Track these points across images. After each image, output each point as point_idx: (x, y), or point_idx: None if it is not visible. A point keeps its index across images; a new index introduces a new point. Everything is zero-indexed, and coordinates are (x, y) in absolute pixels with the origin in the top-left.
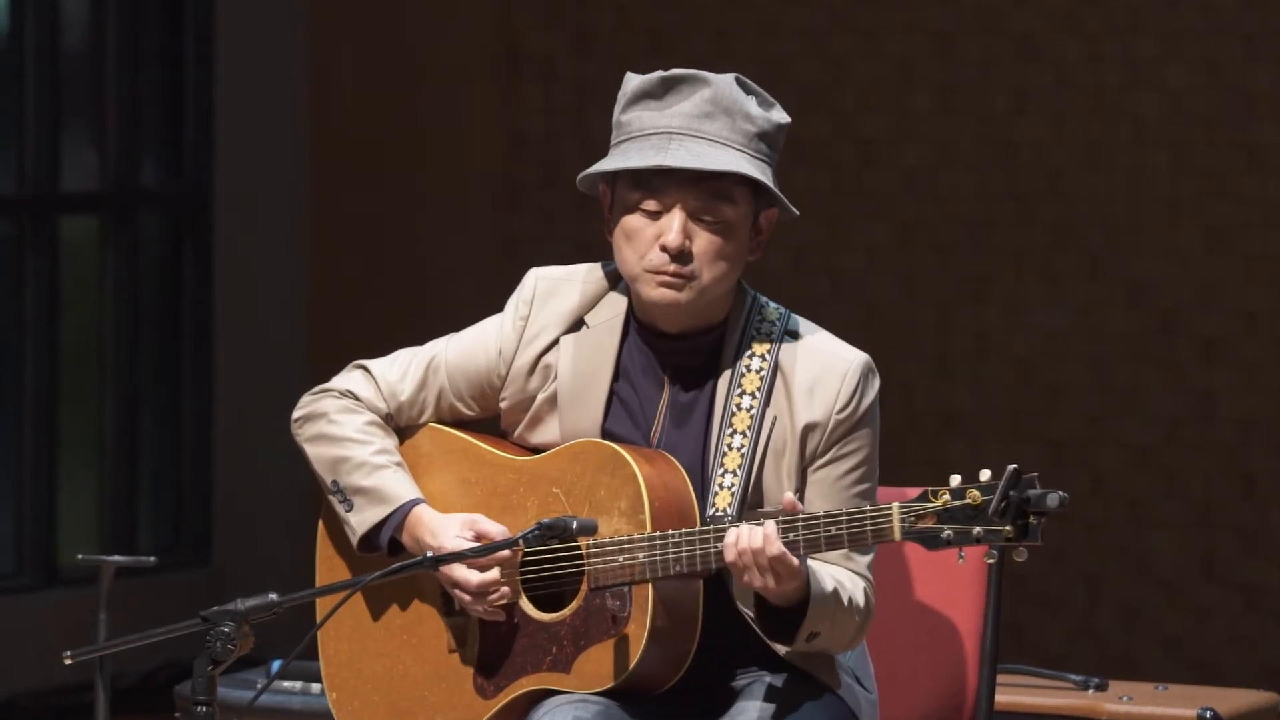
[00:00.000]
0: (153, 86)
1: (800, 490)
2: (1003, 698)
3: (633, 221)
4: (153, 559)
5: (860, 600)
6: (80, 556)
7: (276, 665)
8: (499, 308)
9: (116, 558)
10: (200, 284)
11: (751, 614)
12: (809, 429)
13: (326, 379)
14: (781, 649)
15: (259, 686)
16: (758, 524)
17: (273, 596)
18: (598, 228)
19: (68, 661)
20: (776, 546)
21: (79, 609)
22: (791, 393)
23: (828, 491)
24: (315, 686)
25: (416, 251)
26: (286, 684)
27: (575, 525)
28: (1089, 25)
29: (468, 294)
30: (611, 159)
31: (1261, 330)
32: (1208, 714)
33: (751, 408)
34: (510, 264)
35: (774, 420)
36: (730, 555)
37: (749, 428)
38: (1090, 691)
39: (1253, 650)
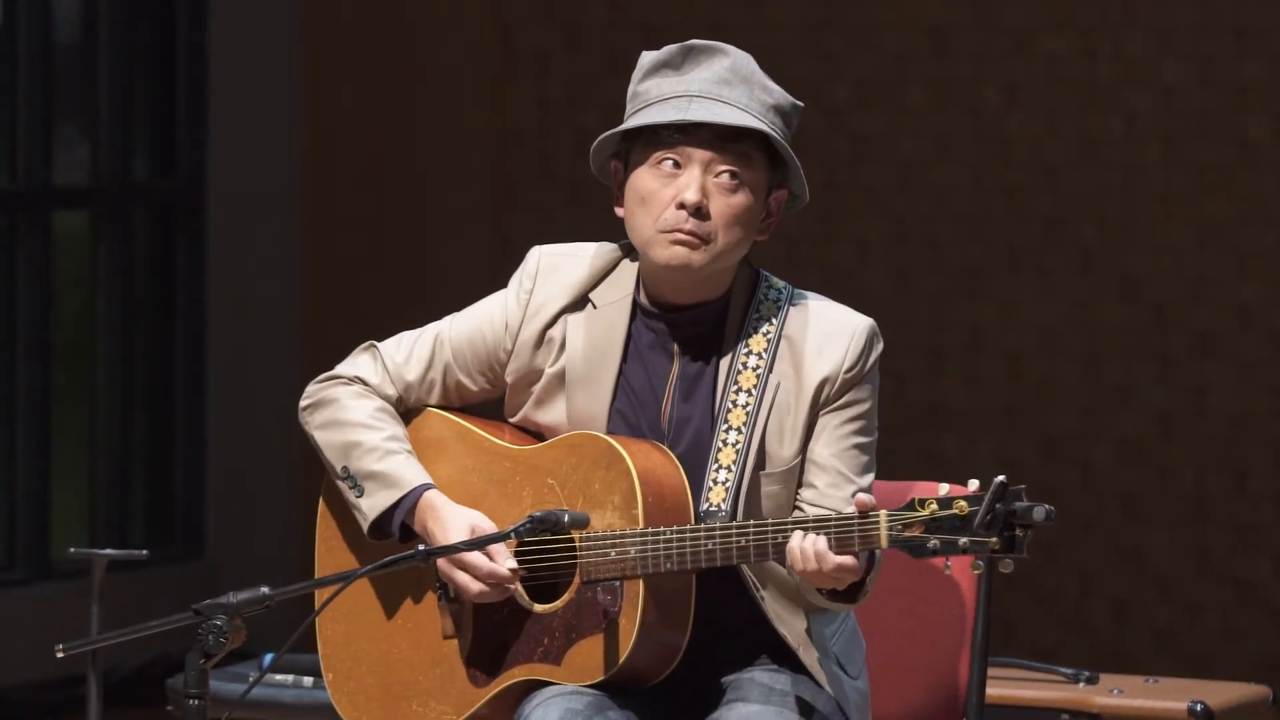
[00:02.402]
0: (145, 81)
1: (804, 443)
2: (994, 690)
3: (649, 183)
4: (144, 552)
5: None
6: (72, 550)
7: (268, 659)
8: None
9: (108, 551)
10: (193, 278)
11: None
12: (819, 384)
13: (320, 373)
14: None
15: (251, 680)
16: (814, 535)
17: (265, 590)
18: (592, 223)
19: (60, 655)
20: (831, 561)
21: (71, 602)
22: (799, 356)
23: (829, 437)
24: (307, 680)
25: (410, 247)
26: (278, 677)
27: (567, 519)
28: (1082, 20)
29: (462, 289)
30: (630, 122)
31: (1254, 325)
32: (1198, 707)
33: (758, 368)
34: (505, 260)
35: (778, 384)
36: (796, 563)
37: (754, 388)
38: (1081, 684)
39: (1245, 645)
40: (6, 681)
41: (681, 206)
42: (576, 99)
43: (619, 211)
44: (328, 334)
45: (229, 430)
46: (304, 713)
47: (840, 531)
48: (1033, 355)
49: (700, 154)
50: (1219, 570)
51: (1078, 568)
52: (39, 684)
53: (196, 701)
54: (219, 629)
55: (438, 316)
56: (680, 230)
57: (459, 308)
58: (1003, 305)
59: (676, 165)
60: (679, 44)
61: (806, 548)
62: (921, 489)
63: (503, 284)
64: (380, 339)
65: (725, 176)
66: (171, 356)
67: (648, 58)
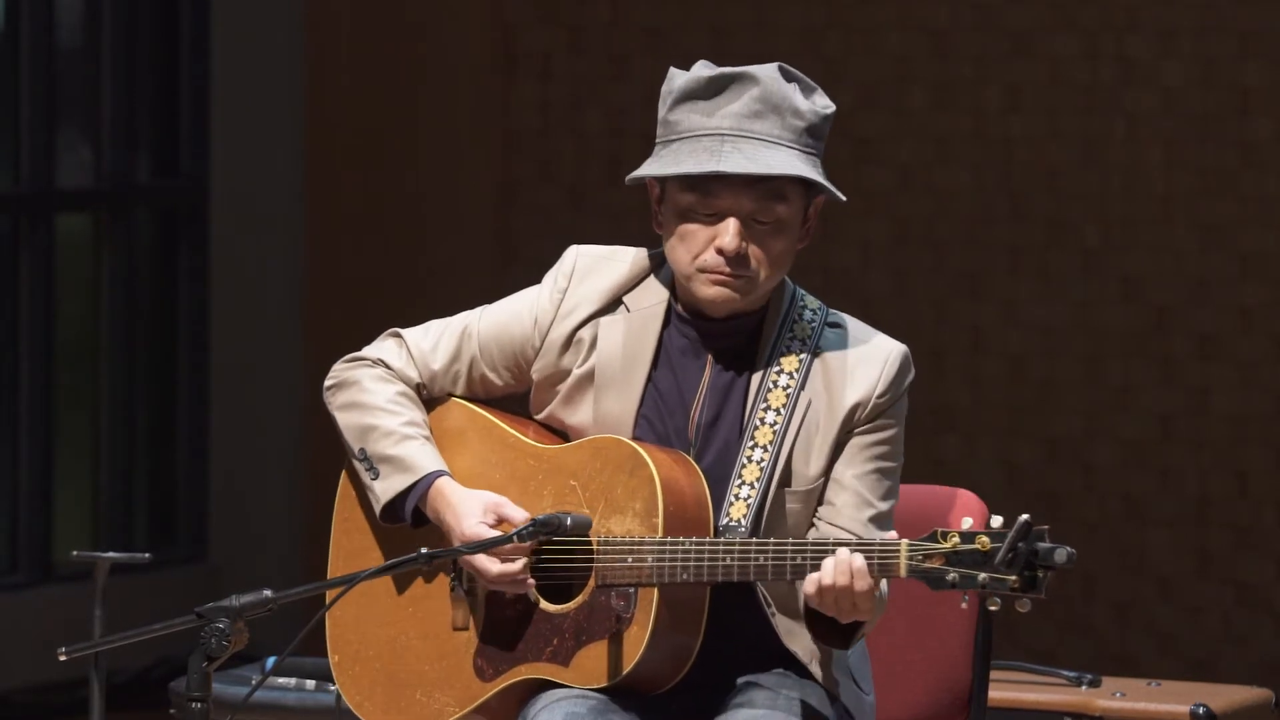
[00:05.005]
0: (148, 83)
1: (830, 464)
2: (996, 694)
3: (687, 225)
4: (147, 555)
5: (885, 585)
6: (75, 553)
7: (271, 661)
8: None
9: (111, 554)
10: (195, 281)
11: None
12: (852, 407)
13: (322, 375)
14: (804, 652)
15: (254, 683)
16: (849, 554)
17: (268, 593)
18: (593, 223)
19: (63, 658)
20: (865, 582)
21: (74, 605)
22: (830, 378)
23: (854, 458)
24: (310, 683)
25: (412, 248)
26: (281, 680)
27: (570, 522)
28: (1083, 22)
29: (464, 290)
30: (662, 161)
31: (1256, 326)
32: (1200, 710)
33: (788, 387)
34: (506, 260)
35: (809, 403)
36: (811, 590)
37: (784, 406)
38: (1084, 688)
39: (1247, 647)
40: (9, 684)
41: (720, 252)
42: (578, 100)
43: (657, 229)
44: (330, 335)
45: (232, 433)
46: (306, 716)
47: (861, 556)
48: (1035, 357)
49: (735, 201)
50: (1221, 572)
51: (1079, 570)
52: (41, 687)
53: (199, 704)
54: (222, 632)
55: (437, 316)
56: (721, 272)
57: (459, 308)
58: (1004, 307)
59: (712, 210)
60: (706, 71)
61: (843, 558)
62: (924, 493)
63: (503, 283)
64: (379, 339)
65: (762, 218)
66: (174, 358)
67: (677, 82)
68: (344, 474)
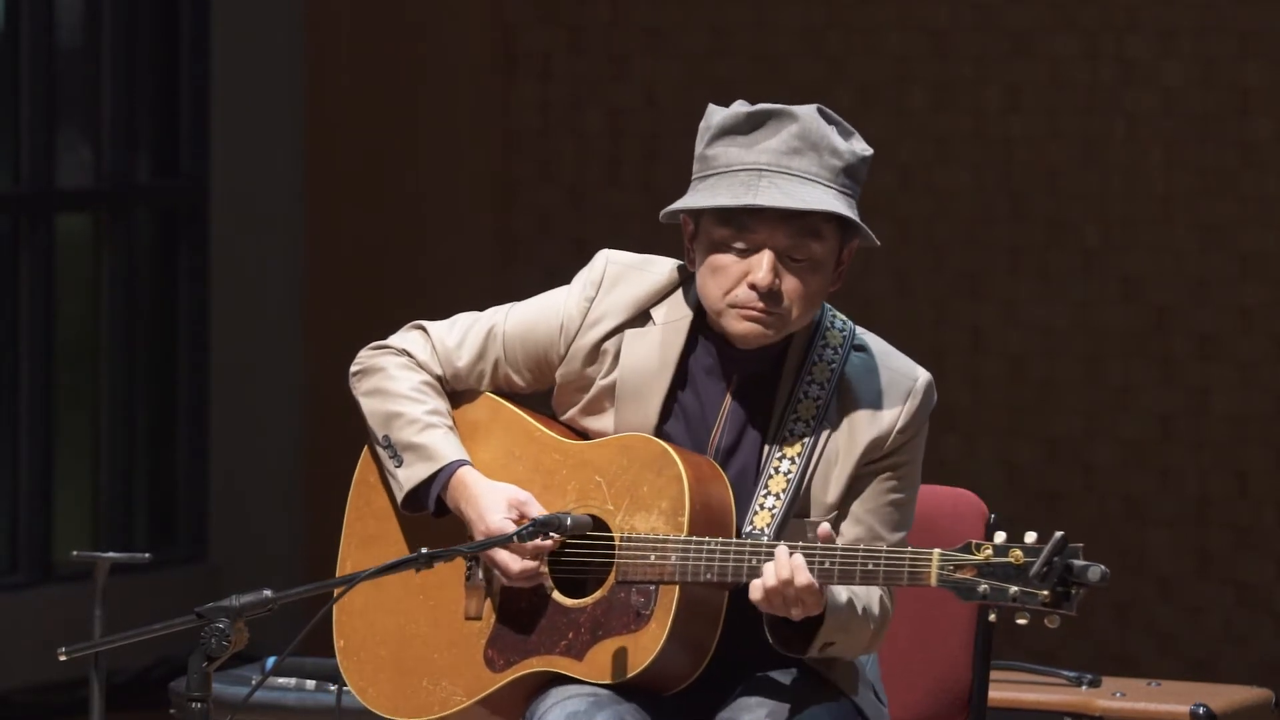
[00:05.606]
0: (148, 83)
1: (846, 496)
2: (996, 694)
3: (719, 258)
4: (147, 555)
5: (875, 606)
6: (75, 553)
7: (271, 661)
8: (494, 304)
9: (111, 554)
10: (195, 281)
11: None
12: (870, 442)
13: (322, 375)
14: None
15: (254, 683)
16: (791, 552)
17: (268, 593)
18: (593, 225)
19: (63, 658)
20: (805, 577)
21: (74, 605)
22: (853, 407)
23: (869, 492)
24: (310, 683)
25: (412, 248)
26: (281, 680)
27: (570, 522)
28: (1083, 22)
29: (464, 290)
30: (698, 195)
31: (1256, 326)
32: (1201, 710)
33: (814, 411)
34: (506, 260)
35: (829, 433)
36: (757, 595)
37: (806, 435)
38: (1084, 688)
39: (1247, 647)
40: (9, 684)
41: (754, 287)
42: (578, 100)
43: (691, 267)
44: (330, 335)
45: (232, 433)
46: (306, 716)
47: (890, 565)
48: (1035, 357)
49: (770, 236)
50: (1221, 572)
51: None
52: (41, 687)
53: (199, 704)
54: (221, 632)
55: (438, 318)
56: (753, 308)
57: (459, 308)
58: (1005, 307)
59: (746, 244)
60: (745, 108)
61: (782, 556)
62: (924, 493)
63: (503, 283)
64: (382, 338)
65: (796, 255)
66: (174, 358)
67: (715, 119)
68: (362, 458)
